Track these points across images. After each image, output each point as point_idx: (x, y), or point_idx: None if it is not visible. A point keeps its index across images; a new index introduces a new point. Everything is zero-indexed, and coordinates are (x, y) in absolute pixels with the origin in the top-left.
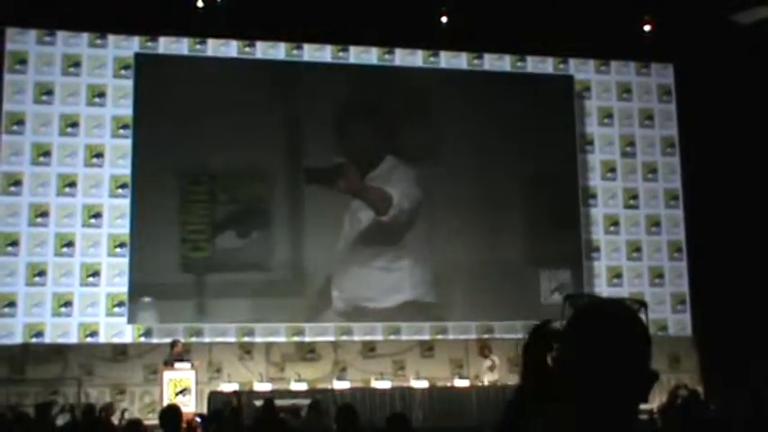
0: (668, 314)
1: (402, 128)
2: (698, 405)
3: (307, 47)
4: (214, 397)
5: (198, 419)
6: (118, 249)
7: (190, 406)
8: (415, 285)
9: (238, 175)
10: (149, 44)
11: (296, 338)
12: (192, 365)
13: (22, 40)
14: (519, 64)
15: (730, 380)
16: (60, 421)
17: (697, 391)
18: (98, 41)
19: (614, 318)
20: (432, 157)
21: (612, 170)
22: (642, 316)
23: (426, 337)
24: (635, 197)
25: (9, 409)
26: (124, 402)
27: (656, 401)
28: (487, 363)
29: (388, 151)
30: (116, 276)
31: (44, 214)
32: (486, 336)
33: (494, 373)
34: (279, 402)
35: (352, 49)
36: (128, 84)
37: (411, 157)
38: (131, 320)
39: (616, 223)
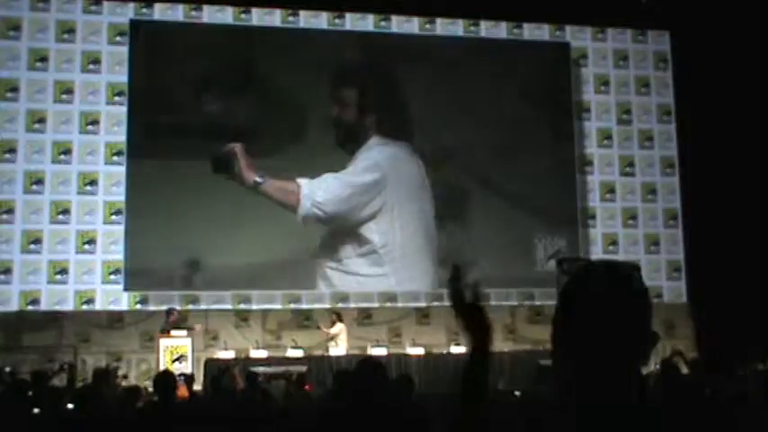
0: (663, 281)
1: (395, 96)
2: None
3: (303, 13)
4: (210, 364)
5: (180, 378)
6: (114, 217)
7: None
8: (387, 274)
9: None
10: (144, 10)
11: (292, 306)
12: (192, 330)
13: (16, 6)
14: (515, 31)
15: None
16: (57, 382)
17: (695, 360)
18: (92, 8)
19: (614, 277)
20: (423, 125)
21: (609, 137)
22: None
23: (422, 305)
24: (631, 164)
25: (7, 376)
26: (121, 370)
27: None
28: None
29: (383, 120)
30: (112, 244)
31: (39, 182)
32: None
33: (337, 343)
34: (273, 370)
35: (348, 16)
36: (123, 50)
37: (403, 129)
38: (127, 288)
39: (612, 190)
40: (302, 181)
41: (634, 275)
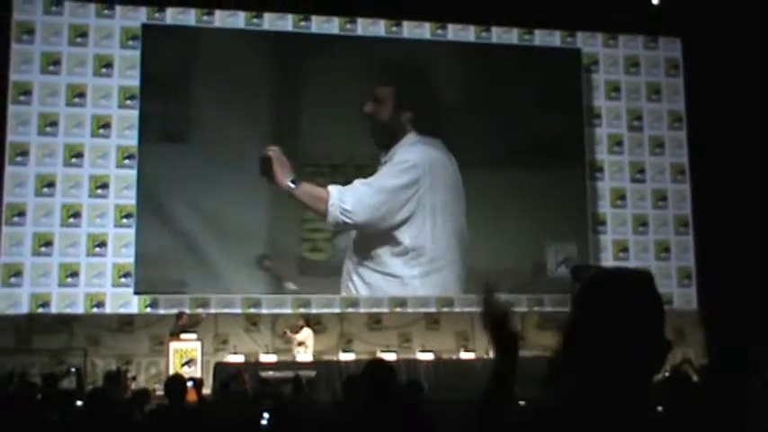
0: (674, 288)
1: (408, 103)
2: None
3: (315, 18)
4: (220, 368)
5: (190, 383)
6: (124, 220)
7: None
8: (416, 276)
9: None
10: (157, 15)
11: (302, 310)
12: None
13: (30, 10)
14: (527, 37)
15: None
16: (67, 384)
17: (705, 367)
18: (105, 12)
19: (628, 285)
20: (434, 132)
21: (619, 144)
22: None
23: (432, 310)
24: (642, 171)
25: (17, 378)
26: (130, 373)
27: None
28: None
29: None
30: (122, 247)
31: (51, 184)
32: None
33: (305, 348)
34: (283, 374)
35: (360, 21)
36: (135, 54)
37: (439, 126)
38: (138, 291)
39: (623, 197)
40: (333, 188)
41: (647, 283)
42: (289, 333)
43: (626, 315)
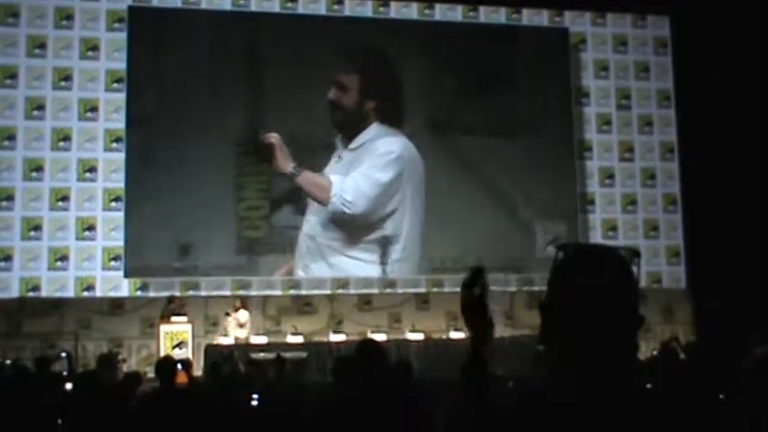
0: (662, 266)
1: (396, 83)
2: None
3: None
4: (210, 350)
5: (179, 366)
6: (113, 203)
7: None
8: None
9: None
10: None
11: (292, 292)
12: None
13: None
14: (514, 16)
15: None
16: (59, 368)
17: (692, 344)
18: None
19: (601, 260)
20: (423, 109)
21: (608, 123)
22: (634, 267)
23: (422, 290)
24: (630, 150)
25: (8, 368)
26: (121, 356)
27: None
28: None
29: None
30: (112, 231)
31: (39, 168)
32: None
33: (244, 329)
34: (273, 355)
35: (347, 2)
36: (121, 37)
37: (402, 116)
38: (128, 274)
39: (611, 176)
40: (334, 177)
41: (621, 259)
42: (231, 313)
43: (596, 291)
